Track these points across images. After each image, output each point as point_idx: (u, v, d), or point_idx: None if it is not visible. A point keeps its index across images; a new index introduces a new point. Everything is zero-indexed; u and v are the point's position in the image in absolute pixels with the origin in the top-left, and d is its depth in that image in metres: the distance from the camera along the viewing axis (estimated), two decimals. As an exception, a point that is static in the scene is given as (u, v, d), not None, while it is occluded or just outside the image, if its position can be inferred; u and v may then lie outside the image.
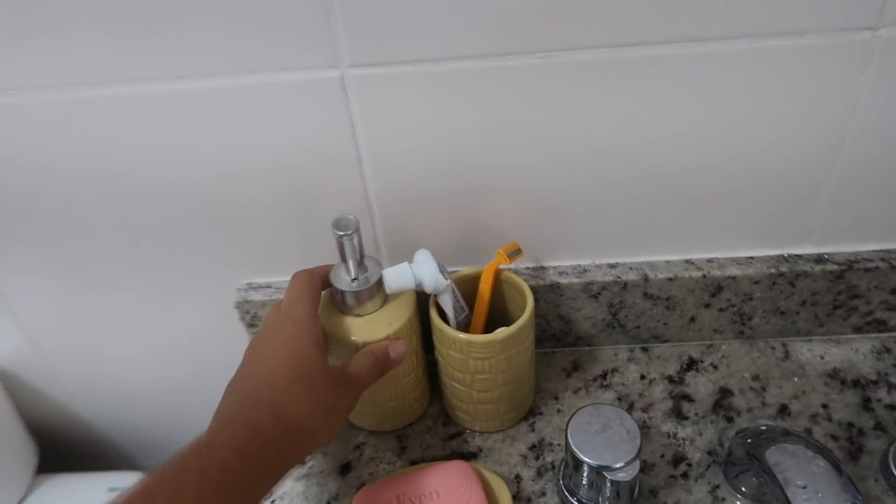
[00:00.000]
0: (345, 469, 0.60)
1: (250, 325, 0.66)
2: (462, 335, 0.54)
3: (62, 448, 0.87)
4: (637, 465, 0.49)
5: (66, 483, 0.80)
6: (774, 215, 0.59)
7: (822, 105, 0.52)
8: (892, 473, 0.53)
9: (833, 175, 0.56)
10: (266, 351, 0.49)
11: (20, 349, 0.75)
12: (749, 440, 0.51)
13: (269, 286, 0.65)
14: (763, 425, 0.53)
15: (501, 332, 0.54)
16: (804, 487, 0.44)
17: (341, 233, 0.50)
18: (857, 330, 0.65)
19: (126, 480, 0.78)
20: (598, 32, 0.49)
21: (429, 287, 0.54)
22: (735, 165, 0.56)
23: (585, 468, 0.50)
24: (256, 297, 0.64)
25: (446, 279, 0.54)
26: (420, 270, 0.54)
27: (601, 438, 0.50)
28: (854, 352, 0.64)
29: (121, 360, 0.76)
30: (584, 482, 0.51)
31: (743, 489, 0.54)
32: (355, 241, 0.51)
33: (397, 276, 0.54)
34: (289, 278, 0.53)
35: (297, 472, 0.60)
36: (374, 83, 0.52)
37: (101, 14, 0.49)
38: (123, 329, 0.72)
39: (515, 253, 0.57)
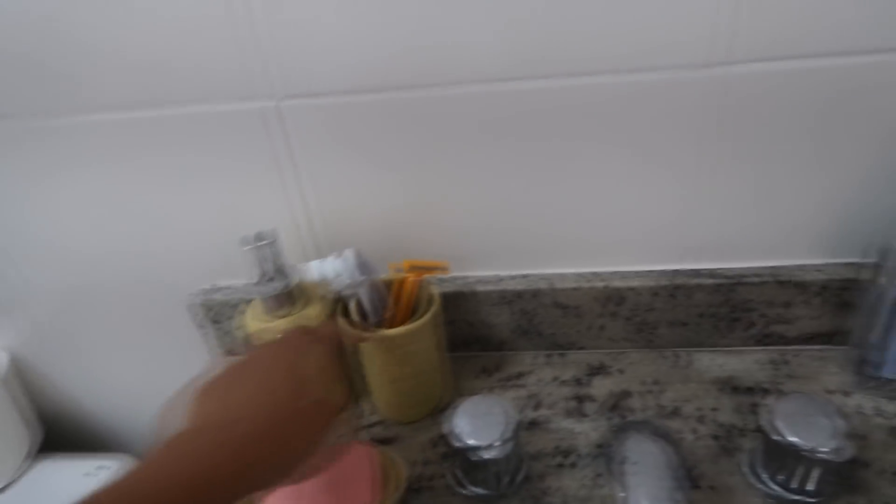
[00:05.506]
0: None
1: (214, 322, 0.75)
2: (355, 331, 0.61)
3: (65, 430, 0.98)
4: (510, 445, 0.55)
5: (62, 462, 0.91)
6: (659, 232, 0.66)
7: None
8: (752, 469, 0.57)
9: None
10: None
11: (30, 338, 0.87)
12: (616, 430, 0.57)
13: (229, 287, 0.75)
14: (633, 419, 0.58)
15: (395, 330, 0.60)
16: (636, 463, 0.50)
17: (262, 242, 0.60)
18: (758, 342, 0.69)
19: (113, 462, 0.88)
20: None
21: (346, 279, 0.61)
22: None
23: (467, 452, 0.56)
24: (218, 296, 0.74)
25: (362, 276, 0.62)
26: (341, 265, 0.61)
27: (481, 422, 0.57)
28: (753, 362, 0.68)
29: (113, 358, 0.87)
30: (467, 464, 0.57)
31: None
32: (276, 248, 0.61)
33: (319, 266, 0.61)
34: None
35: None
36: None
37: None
38: (115, 334, 0.83)
39: (431, 270, 0.63)
